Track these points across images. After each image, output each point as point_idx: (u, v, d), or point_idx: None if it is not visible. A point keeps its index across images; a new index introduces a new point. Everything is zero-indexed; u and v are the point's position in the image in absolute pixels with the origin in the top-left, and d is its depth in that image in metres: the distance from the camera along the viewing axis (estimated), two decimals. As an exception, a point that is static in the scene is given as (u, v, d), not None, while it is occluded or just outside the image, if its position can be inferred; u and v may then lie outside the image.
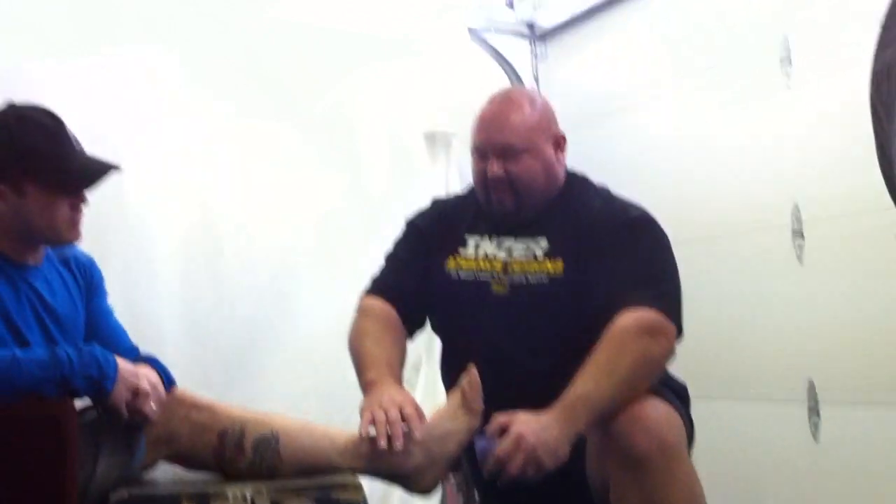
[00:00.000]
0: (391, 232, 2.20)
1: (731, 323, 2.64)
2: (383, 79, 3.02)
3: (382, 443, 1.73)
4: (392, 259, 2.13)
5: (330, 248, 2.87)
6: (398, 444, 1.74)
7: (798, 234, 2.49)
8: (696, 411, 1.94)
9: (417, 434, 1.75)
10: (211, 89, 2.71)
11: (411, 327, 2.08)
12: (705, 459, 1.88)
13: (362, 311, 2.05)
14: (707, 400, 2.13)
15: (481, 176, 2.04)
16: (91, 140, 1.85)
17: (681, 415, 1.81)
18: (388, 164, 3.01)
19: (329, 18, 2.94)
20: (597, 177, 2.14)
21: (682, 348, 1.88)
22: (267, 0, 2.88)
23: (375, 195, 2.96)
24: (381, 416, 1.75)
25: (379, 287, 2.08)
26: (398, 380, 1.91)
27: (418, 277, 2.07)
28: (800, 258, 2.49)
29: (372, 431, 1.75)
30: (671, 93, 2.91)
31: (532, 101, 2.07)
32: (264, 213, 2.79)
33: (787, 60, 2.54)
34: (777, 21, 2.58)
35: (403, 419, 1.75)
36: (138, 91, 2.58)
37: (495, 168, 2.00)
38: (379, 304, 2.04)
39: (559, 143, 2.06)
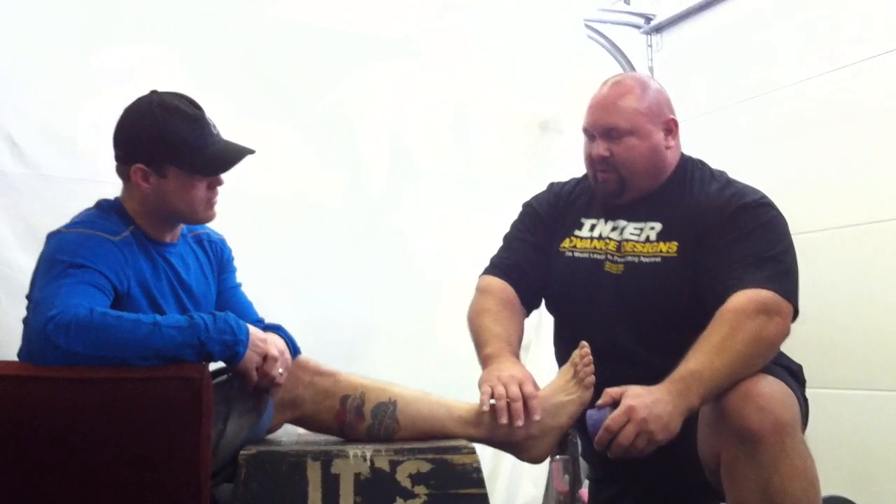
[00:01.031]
0: (510, 219, 2.26)
1: (846, 312, 2.60)
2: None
3: (504, 419, 1.79)
4: (509, 239, 2.20)
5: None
6: (519, 422, 1.80)
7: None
8: (810, 400, 1.92)
9: (536, 416, 1.81)
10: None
11: (528, 305, 2.13)
12: (818, 447, 1.85)
13: (481, 290, 2.12)
14: (821, 389, 2.11)
15: (588, 157, 2.09)
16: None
17: (795, 393, 1.79)
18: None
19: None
20: (715, 166, 2.14)
21: (796, 337, 1.87)
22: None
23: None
24: (500, 391, 1.81)
25: (496, 266, 2.15)
26: (516, 355, 1.97)
27: (534, 257, 2.13)
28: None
29: (494, 403, 1.80)
30: (789, 84, 2.88)
31: (643, 86, 2.09)
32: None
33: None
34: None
35: (523, 396, 1.80)
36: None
37: (600, 149, 2.05)
38: (497, 283, 2.11)
39: (670, 127, 2.07)
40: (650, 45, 3.44)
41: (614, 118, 2.03)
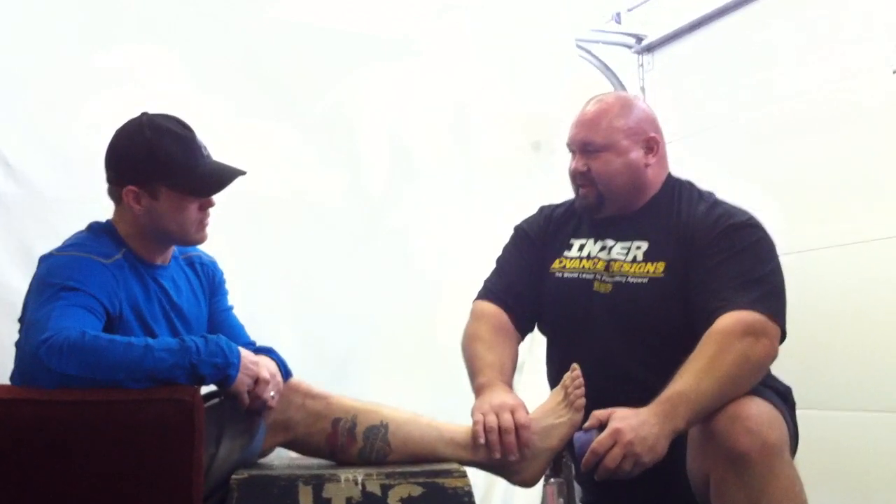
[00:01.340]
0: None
1: (838, 331, 2.59)
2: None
3: (497, 455, 1.81)
4: (501, 263, 2.21)
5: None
6: (513, 456, 1.82)
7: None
8: (804, 420, 1.93)
9: (527, 451, 1.83)
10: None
11: (522, 329, 2.15)
12: (811, 469, 1.86)
13: (475, 315, 2.13)
14: (814, 410, 2.11)
15: (569, 171, 2.12)
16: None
17: (783, 416, 1.80)
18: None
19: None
20: (706, 185, 2.14)
21: (791, 356, 1.87)
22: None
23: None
24: (492, 420, 1.82)
25: (490, 291, 2.16)
26: (509, 384, 1.98)
27: (527, 280, 2.14)
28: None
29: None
30: (782, 99, 2.85)
31: (623, 104, 2.12)
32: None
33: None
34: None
35: (516, 426, 1.81)
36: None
37: (578, 163, 2.08)
38: (490, 308, 2.12)
39: (651, 146, 2.09)
40: (641, 65, 3.45)
41: (591, 134, 2.07)
